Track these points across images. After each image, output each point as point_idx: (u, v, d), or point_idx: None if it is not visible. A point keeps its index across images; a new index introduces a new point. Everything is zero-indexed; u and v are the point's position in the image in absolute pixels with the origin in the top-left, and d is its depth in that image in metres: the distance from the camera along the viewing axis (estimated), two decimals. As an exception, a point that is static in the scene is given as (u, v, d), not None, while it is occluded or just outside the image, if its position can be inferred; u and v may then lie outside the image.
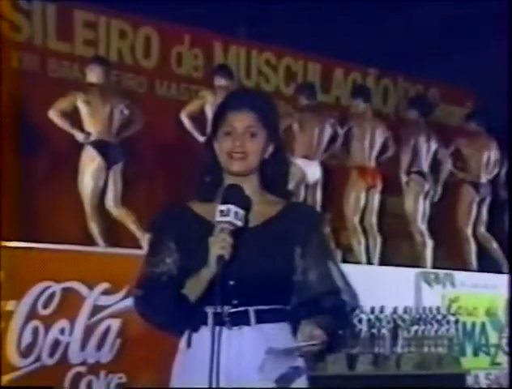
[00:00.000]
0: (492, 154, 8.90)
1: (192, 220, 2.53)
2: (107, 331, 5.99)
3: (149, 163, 7.94)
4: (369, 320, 6.98)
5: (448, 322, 7.48)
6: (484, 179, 8.87)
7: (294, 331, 2.41)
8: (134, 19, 8.39)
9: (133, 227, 6.93)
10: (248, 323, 2.42)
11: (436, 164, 8.64)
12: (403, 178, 8.43)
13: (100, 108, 6.98)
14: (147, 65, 8.49)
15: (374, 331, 7.00)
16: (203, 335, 2.43)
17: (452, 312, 7.74)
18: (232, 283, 2.40)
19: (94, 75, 7.07)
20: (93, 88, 7.02)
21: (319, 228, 2.57)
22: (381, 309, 7.11)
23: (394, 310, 7.23)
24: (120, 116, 7.11)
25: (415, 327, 7.26)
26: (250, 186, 2.51)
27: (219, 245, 2.35)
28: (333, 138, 8.16)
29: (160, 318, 2.51)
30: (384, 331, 7.06)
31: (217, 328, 2.35)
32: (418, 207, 8.47)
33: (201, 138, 7.07)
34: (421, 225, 8.50)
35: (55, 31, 7.84)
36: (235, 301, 2.42)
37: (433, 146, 8.56)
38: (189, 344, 2.46)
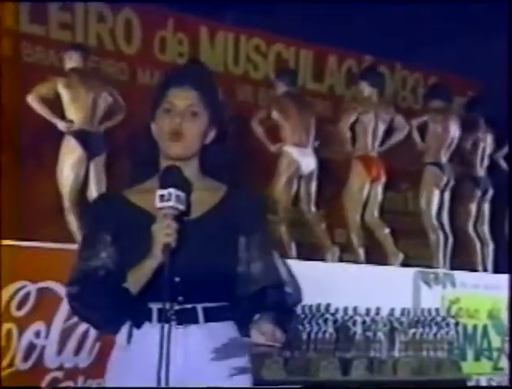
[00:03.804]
0: (490, 146, 8.96)
1: (127, 210, 2.51)
2: (86, 333, 5.97)
3: (131, 154, 7.93)
4: (363, 322, 7.00)
5: (448, 325, 7.51)
6: (482, 173, 8.93)
7: (241, 327, 2.45)
8: (114, 2, 8.36)
9: None
10: (196, 321, 2.43)
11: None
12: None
13: (83, 95, 7.01)
14: (129, 51, 8.48)
15: (369, 334, 7.03)
16: (147, 332, 2.43)
17: (452, 314, 7.76)
18: (177, 278, 2.40)
19: (73, 62, 7.10)
20: (75, 74, 7.05)
21: (263, 216, 2.59)
22: (377, 311, 7.13)
23: (391, 312, 7.25)
24: (103, 104, 7.14)
25: (413, 330, 7.29)
26: (189, 171, 2.49)
27: (164, 233, 2.34)
28: (321, 127, 8.20)
29: (98, 317, 2.48)
30: (380, 334, 7.08)
31: (163, 325, 2.34)
32: (433, 201, 8.50)
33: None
34: (435, 222, 8.53)
35: (28, 13, 7.83)
36: (181, 298, 2.42)
37: (456, 137, 8.61)
38: (128, 341, 2.45)
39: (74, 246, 6.48)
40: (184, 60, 8.63)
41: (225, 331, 2.46)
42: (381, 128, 8.26)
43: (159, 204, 2.36)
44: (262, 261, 2.50)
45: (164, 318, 2.35)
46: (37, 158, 7.39)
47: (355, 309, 6.97)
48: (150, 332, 2.40)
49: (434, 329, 7.40)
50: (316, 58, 9.68)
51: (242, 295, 2.47)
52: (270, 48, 9.41)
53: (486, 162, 9.00)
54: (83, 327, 5.95)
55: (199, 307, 2.43)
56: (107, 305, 2.42)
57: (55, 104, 7.00)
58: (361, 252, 8.14)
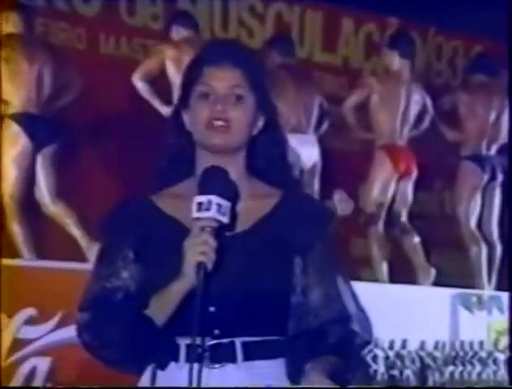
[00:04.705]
0: None
1: (155, 219, 2.53)
2: (32, 373, 5.97)
3: (92, 143, 7.93)
4: (387, 358, 7.03)
5: (495, 362, 7.52)
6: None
7: (291, 371, 2.46)
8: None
9: (75, 231, 7.01)
10: (234, 360, 2.45)
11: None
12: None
13: (25, 68, 7.03)
14: (87, 12, 8.48)
15: (395, 372, 7.05)
16: (173, 373, 2.45)
17: (501, 348, 7.78)
18: (212, 308, 2.42)
19: (11, 27, 7.11)
20: (12, 41, 7.06)
21: (326, 231, 2.58)
22: (404, 344, 7.15)
23: (422, 345, 7.27)
24: (52, 80, 7.14)
25: (450, 368, 7.32)
26: (235, 171, 2.51)
27: (198, 250, 2.34)
28: (325, 109, 8.23)
29: (114, 352, 2.49)
30: (408, 372, 7.10)
31: (193, 366, 2.34)
32: (471, 205, 8.53)
33: (163, 109, 7.13)
34: (477, 230, 8.55)
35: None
36: (216, 331, 2.44)
37: (505, 121, 8.61)
38: (153, 385, 2.48)
39: (18, 262, 6.52)
40: (158, 24, 8.63)
41: (271, 371, 2.48)
42: (414, 110, 8.27)
43: (195, 214, 2.37)
44: (322, 288, 2.51)
45: (193, 356, 2.36)
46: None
47: (375, 340, 6.97)
48: (177, 374, 2.43)
49: (478, 367, 7.43)
50: (326, 22, 9.72)
51: (296, 331, 2.49)
52: (268, 8, 9.43)
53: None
54: (29, 364, 5.98)
55: (238, 342, 2.45)
56: (125, 337, 2.44)
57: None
58: (384, 268, 8.17)
